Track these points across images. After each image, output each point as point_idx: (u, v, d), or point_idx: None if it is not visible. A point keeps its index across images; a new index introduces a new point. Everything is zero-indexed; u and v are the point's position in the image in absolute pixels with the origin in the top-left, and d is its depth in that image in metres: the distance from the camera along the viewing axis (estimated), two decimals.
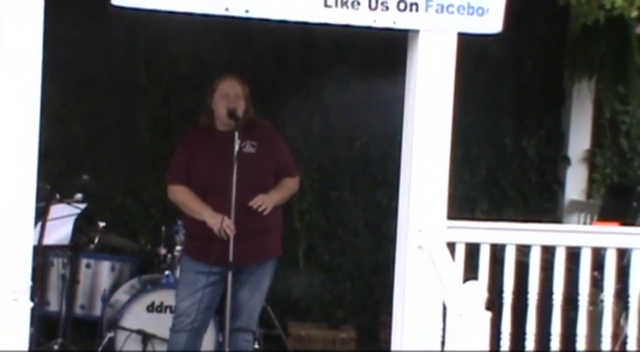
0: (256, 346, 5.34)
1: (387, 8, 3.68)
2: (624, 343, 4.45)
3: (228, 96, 4.61)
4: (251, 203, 4.49)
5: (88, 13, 5.94)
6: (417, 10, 3.72)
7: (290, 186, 4.80)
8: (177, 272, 5.32)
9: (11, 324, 3.31)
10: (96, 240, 5.58)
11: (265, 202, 4.54)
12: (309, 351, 6.29)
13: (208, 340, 5.04)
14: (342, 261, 6.76)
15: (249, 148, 4.58)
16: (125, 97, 6.50)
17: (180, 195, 4.66)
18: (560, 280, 4.17)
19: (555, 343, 4.18)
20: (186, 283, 4.68)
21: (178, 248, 5.50)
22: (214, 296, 4.68)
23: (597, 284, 4.53)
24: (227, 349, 4.47)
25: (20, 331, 3.33)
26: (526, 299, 4.17)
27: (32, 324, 3.58)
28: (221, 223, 4.39)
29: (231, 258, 4.39)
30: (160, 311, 5.33)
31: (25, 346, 3.36)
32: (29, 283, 3.39)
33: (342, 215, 6.75)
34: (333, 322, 6.55)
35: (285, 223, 5.00)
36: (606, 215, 5.70)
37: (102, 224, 5.64)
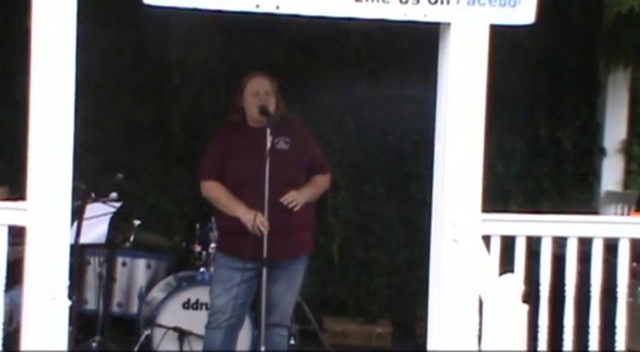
0: (292, 341, 5.35)
1: (418, 1, 3.66)
2: None
3: (259, 94, 4.62)
4: (282, 199, 4.50)
5: (119, 14, 5.98)
6: (448, 2, 3.69)
7: (321, 183, 4.80)
8: (212, 269, 5.35)
9: (50, 323, 3.34)
10: (131, 239, 5.63)
11: (296, 198, 4.54)
12: (345, 346, 6.29)
13: (244, 336, 5.05)
14: (376, 255, 6.75)
15: (282, 144, 4.58)
16: (158, 96, 6.55)
17: (214, 190, 4.68)
18: (597, 272, 4.13)
19: (594, 335, 4.14)
20: (221, 280, 4.69)
21: (213, 245, 5.53)
22: (249, 293, 4.69)
23: (636, 276, 4.47)
24: (263, 345, 4.48)
25: (59, 329, 3.35)
26: (563, 291, 4.14)
27: (71, 322, 3.62)
28: (254, 219, 4.40)
29: (265, 254, 4.40)
30: (196, 308, 5.36)
31: (64, 344, 3.39)
32: (67, 282, 3.42)
33: (376, 209, 6.74)
34: (369, 317, 6.55)
35: (319, 219, 4.99)
36: None
37: (137, 222, 5.68)
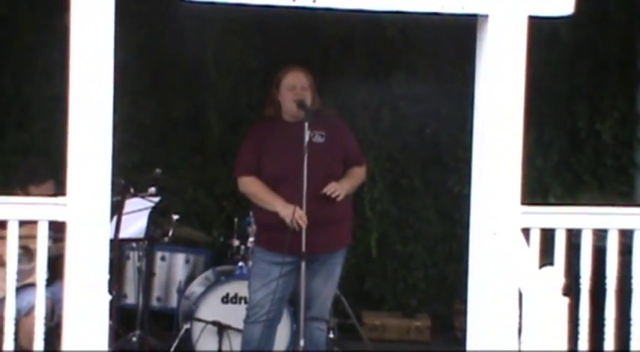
0: (331, 335, 5.36)
1: None
2: None
3: (295, 89, 4.62)
4: (325, 189, 4.50)
5: (156, 9, 6.01)
6: None
7: (359, 175, 4.81)
8: (250, 264, 5.36)
9: (90, 317, 3.37)
10: (170, 233, 5.66)
11: (338, 189, 4.55)
12: (383, 340, 6.29)
13: (283, 330, 5.06)
14: (414, 249, 6.73)
15: (318, 138, 4.58)
16: (195, 91, 6.58)
17: (251, 186, 4.69)
18: (639, 264, 4.08)
19: (636, 328, 4.10)
20: (260, 274, 4.70)
21: (251, 239, 5.53)
22: (287, 287, 4.70)
23: None
24: (302, 338, 4.48)
25: (99, 323, 3.39)
26: (604, 284, 4.10)
27: (111, 317, 3.64)
28: (293, 214, 4.41)
29: (304, 248, 4.41)
30: (235, 303, 5.37)
31: (105, 338, 3.42)
32: (107, 276, 3.45)
33: (413, 203, 6.72)
34: (407, 311, 6.54)
35: (356, 213, 4.98)
36: None
37: (175, 217, 5.71)
